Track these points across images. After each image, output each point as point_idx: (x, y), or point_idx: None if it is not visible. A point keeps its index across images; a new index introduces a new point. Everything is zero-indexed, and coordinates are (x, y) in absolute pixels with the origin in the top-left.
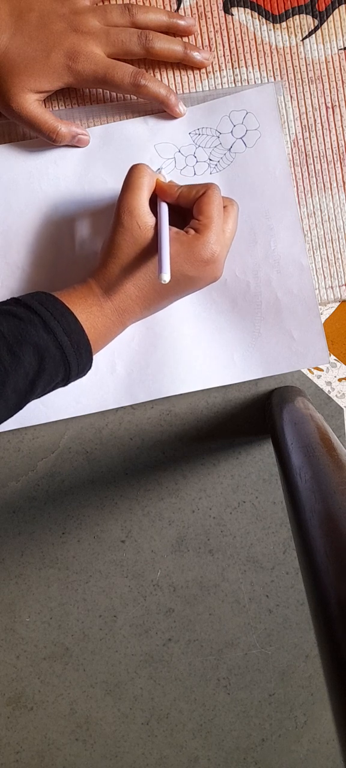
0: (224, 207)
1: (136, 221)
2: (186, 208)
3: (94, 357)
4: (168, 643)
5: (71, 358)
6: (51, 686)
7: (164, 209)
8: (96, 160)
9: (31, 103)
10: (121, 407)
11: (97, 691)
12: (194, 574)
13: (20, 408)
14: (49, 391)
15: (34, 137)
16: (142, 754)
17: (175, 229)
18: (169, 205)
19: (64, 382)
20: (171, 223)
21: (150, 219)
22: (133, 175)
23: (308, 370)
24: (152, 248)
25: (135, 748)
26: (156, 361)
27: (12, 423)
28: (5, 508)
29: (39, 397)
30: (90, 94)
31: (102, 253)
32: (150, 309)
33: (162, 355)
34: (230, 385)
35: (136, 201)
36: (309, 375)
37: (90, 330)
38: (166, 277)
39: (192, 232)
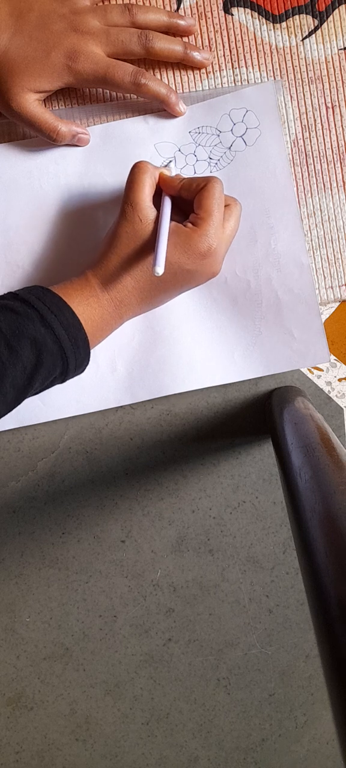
0: (227, 205)
1: (138, 215)
2: (190, 205)
3: (95, 356)
4: (168, 643)
5: (69, 352)
6: (51, 686)
7: (167, 202)
8: (96, 159)
9: (31, 102)
10: (122, 407)
11: (97, 691)
12: (194, 574)
13: (18, 403)
14: (47, 387)
15: (35, 137)
16: (142, 754)
17: (174, 222)
18: (173, 200)
19: (62, 377)
20: (175, 220)
21: (151, 213)
22: (135, 171)
23: (308, 370)
24: (152, 242)
25: (135, 748)
26: (157, 360)
27: (12, 423)
28: (5, 508)
29: (37, 392)
30: (90, 94)
31: (102, 246)
32: (148, 303)
33: (163, 354)
34: (230, 385)
35: (138, 196)
36: (309, 375)
37: (87, 322)
38: (159, 269)
39: (190, 225)
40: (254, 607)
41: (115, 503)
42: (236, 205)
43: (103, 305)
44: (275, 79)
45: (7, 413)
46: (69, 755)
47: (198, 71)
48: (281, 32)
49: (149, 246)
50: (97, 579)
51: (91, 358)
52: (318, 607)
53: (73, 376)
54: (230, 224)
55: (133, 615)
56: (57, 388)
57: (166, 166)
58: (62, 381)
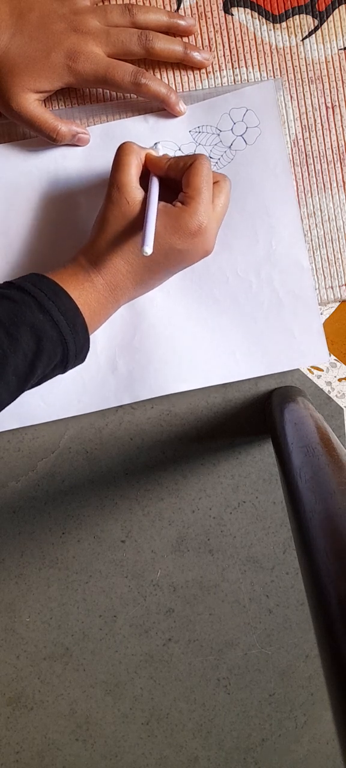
0: (216, 182)
1: (125, 196)
2: (178, 185)
3: (96, 355)
4: (168, 643)
5: (68, 337)
6: (51, 686)
7: (155, 183)
8: (96, 159)
9: (31, 102)
10: (122, 407)
11: (97, 691)
12: (194, 574)
13: (21, 392)
14: (48, 376)
15: (35, 137)
16: (142, 754)
17: (163, 202)
18: (162, 181)
19: (63, 364)
20: (164, 200)
21: (138, 194)
22: (120, 153)
23: (308, 370)
24: (141, 222)
25: (135, 748)
26: (158, 359)
27: (14, 422)
28: (5, 508)
29: (39, 380)
30: (90, 94)
31: (92, 231)
32: (142, 285)
33: (164, 353)
34: (230, 385)
35: (124, 177)
36: (309, 375)
37: (84, 307)
38: (148, 249)
39: (179, 204)
40: (254, 607)
41: (115, 503)
42: (225, 181)
43: (99, 289)
44: (274, 78)
45: (10, 402)
46: (69, 755)
47: (198, 71)
48: (281, 32)
49: (138, 227)
50: (97, 579)
51: (93, 357)
52: (318, 607)
53: (74, 365)
54: (220, 201)
55: (133, 615)
56: (58, 388)
57: (155, 145)
58: (63, 370)
